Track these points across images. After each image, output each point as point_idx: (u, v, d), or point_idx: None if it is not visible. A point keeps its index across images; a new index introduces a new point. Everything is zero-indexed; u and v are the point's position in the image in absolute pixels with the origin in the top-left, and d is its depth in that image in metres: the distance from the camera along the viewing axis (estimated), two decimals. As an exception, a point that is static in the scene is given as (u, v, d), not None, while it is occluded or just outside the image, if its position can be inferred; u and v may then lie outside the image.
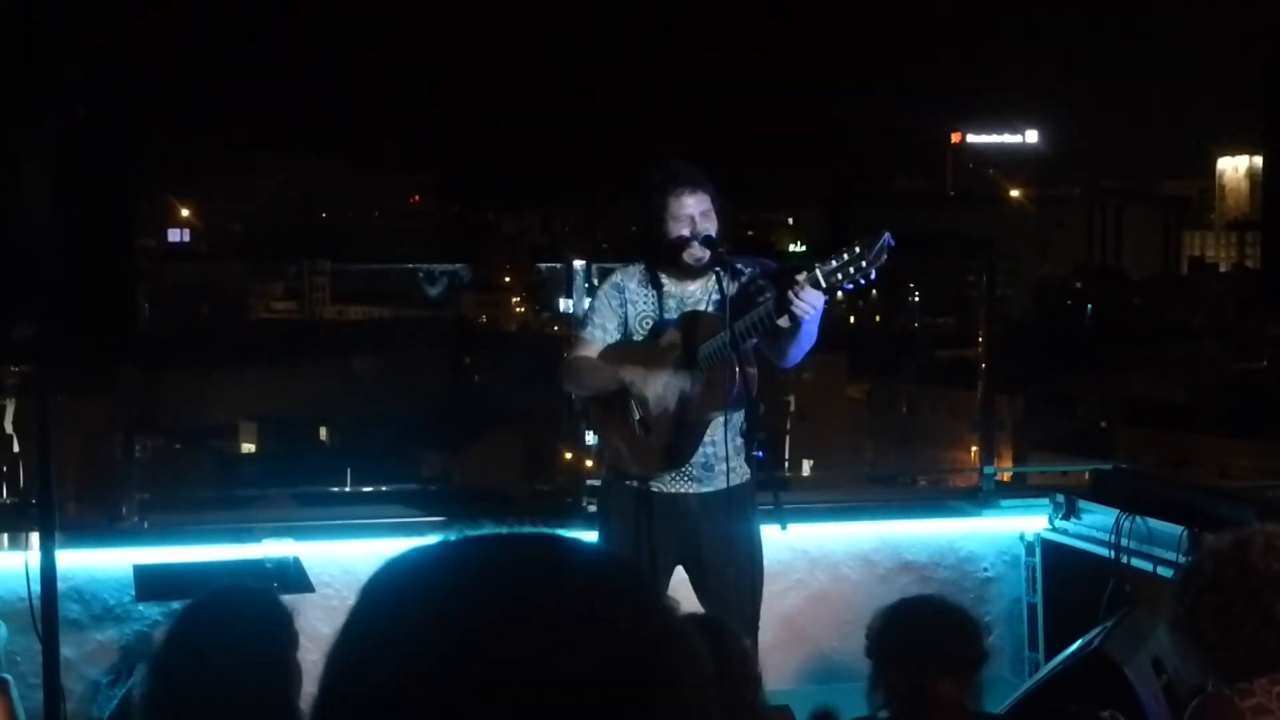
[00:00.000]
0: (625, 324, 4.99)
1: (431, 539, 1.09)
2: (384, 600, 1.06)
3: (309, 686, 3.26)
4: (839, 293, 4.60)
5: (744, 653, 3.52)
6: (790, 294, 4.51)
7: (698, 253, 4.84)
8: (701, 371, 4.81)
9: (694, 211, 4.85)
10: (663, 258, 4.94)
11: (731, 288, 4.76)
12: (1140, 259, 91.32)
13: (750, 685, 3.47)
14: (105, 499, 6.53)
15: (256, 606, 3.32)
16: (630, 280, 5.00)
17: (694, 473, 4.91)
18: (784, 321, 4.59)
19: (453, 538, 1.09)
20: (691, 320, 4.88)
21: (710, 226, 4.85)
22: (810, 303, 4.51)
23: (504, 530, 1.10)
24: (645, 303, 4.97)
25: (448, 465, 34.10)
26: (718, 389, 4.79)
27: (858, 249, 4.48)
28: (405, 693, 0.98)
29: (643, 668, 1.01)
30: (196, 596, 3.38)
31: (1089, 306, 57.11)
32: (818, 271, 4.50)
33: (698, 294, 4.94)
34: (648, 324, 4.96)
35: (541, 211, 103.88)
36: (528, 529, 1.10)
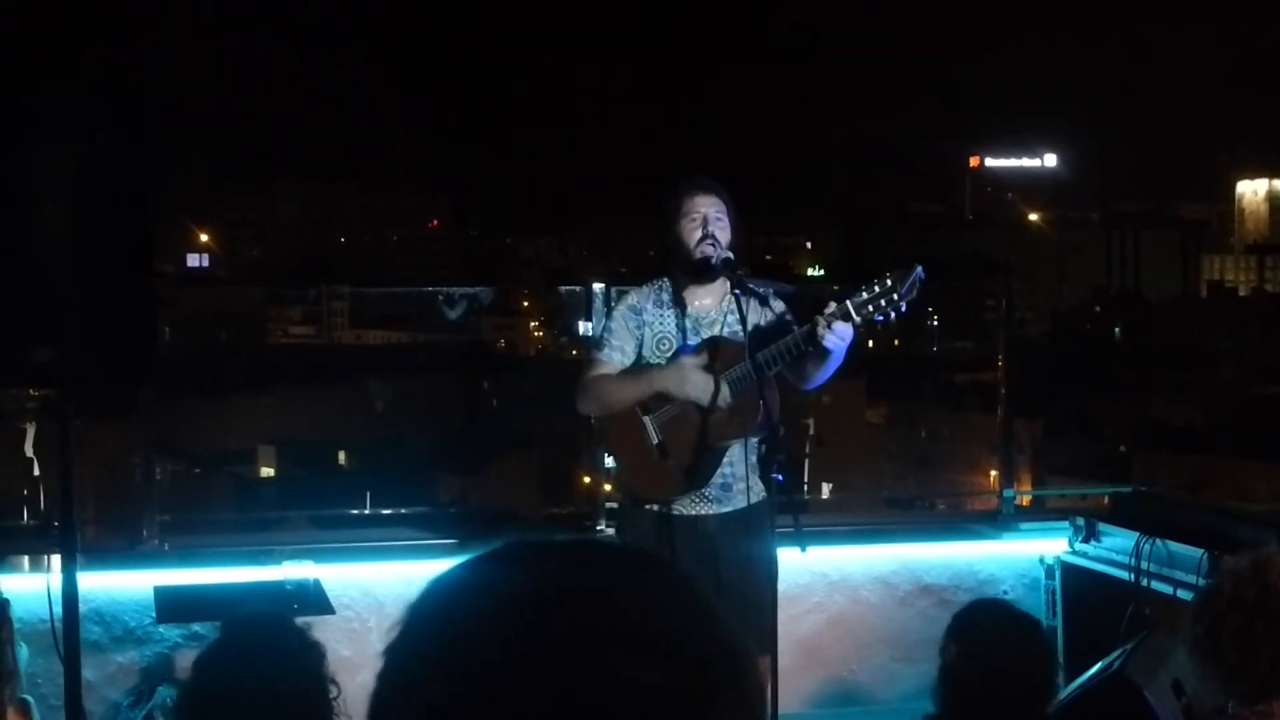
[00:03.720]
0: (641, 346, 4.98)
1: (472, 552, 1.08)
2: (437, 614, 1.04)
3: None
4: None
5: None
6: (820, 326, 4.51)
7: (709, 251, 4.82)
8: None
9: (706, 210, 4.85)
10: (682, 270, 4.93)
11: (750, 310, 4.75)
12: (1159, 283, 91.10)
13: None
14: (126, 522, 6.55)
15: (284, 640, 3.28)
16: (647, 301, 4.99)
17: (712, 494, 4.89)
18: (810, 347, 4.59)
19: (502, 545, 1.07)
20: (713, 345, 4.86)
21: (723, 232, 4.85)
22: (840, 335, 4.52)
23: (550, 539, 1.08)
24: (662, 323, 4.96)
25: (465, 488, 34.05)
26: (740, 415, 4.77)
27: (889, 281, 4.47)
28: (459, 707, 0.97)
29: (702, 682, 0.99)
30: (224, 624, 3.36)
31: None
32: (849, 304, 4.50)
33: (713, 314, 4.93)
34: (665, 344, 4.94)
35: (558, 235, 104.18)
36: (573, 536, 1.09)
